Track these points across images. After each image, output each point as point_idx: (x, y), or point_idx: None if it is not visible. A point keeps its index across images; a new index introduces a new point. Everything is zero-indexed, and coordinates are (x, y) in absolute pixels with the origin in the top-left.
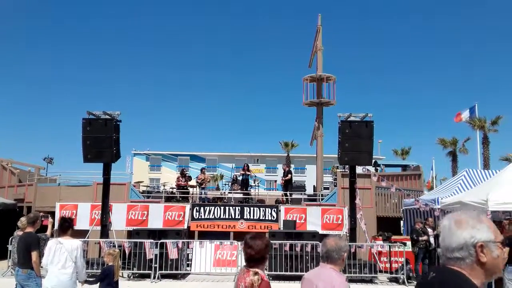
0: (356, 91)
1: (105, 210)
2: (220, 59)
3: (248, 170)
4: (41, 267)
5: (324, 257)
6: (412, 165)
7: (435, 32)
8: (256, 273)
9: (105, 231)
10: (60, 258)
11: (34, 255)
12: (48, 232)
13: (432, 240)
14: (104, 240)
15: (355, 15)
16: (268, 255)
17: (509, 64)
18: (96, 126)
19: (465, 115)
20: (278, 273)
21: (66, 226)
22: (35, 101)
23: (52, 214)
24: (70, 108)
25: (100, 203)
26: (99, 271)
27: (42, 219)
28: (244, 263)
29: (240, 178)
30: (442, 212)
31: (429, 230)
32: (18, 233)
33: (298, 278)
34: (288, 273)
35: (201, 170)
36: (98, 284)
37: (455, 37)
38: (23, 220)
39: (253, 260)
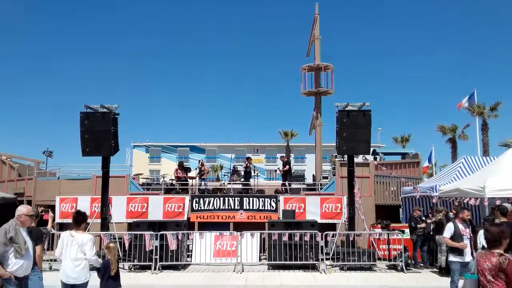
0: (355, 79)
1: (105, 203)
2: (218, 49)
3: (250, 163)
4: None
5: None
6: (411, 153)
7: (434, 17)
8: (501, 254)
9: (105, 224)
10: (71, 250)
11: (38, 248)
12: (49, 226)
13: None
14: (105, 233)
15: (352, 2)
16: (505, 240)
17: (508, 49)
18: (94, 120)
19: (465, 101)
20: (278, 262)
21: (80, 220)
22: (33, 95)
23: (52, 207)
24: (69, 102)
25: (100, 196)
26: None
27: (42, 213)
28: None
29: (242, 170)
30: (440, 200)
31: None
32: None
33: (298, 267)
34: (288, 262)
35: (199, 162)
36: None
37: (454, 23)
38: None
39: (493, 242)
